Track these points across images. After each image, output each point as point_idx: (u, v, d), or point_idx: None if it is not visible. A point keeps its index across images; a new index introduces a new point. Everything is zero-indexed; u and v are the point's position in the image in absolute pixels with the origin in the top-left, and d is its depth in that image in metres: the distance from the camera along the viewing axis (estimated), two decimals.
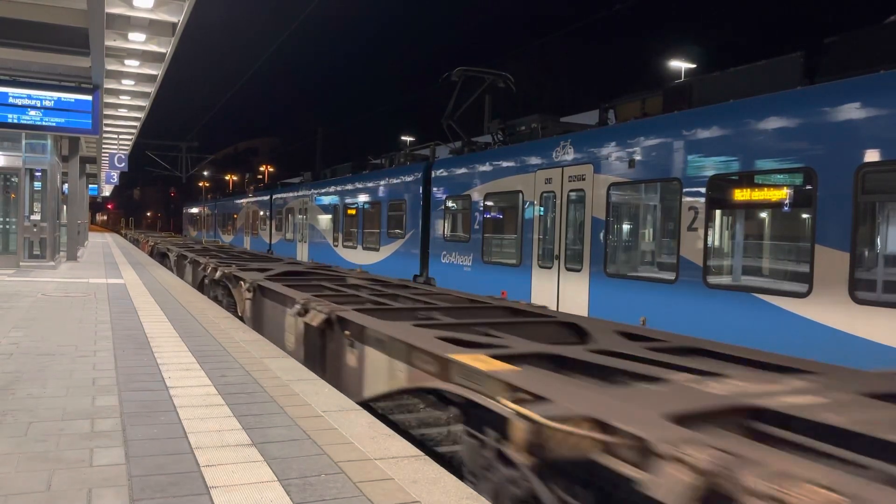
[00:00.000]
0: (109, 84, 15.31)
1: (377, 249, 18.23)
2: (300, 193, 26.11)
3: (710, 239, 8.48)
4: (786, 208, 8.05)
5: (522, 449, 2.85)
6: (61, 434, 3.91)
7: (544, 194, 11.64)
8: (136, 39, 12.27)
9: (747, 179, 8.11)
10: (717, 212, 8.58)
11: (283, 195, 28.63)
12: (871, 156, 6.68)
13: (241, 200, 37.28)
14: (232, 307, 10.16)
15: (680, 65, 31.43)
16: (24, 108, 14.02)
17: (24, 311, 9.10)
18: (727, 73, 9.21)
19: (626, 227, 10.69)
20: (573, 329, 5.59)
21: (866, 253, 6.96)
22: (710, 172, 8.42)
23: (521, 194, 12.19)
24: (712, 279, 8.41)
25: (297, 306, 6.43)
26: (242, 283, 9.34)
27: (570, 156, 11.02)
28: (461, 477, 3.67)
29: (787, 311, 7.34)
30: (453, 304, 6.72)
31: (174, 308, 9.77)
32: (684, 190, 8.74)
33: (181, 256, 17.50)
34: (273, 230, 29.91)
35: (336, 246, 21.44)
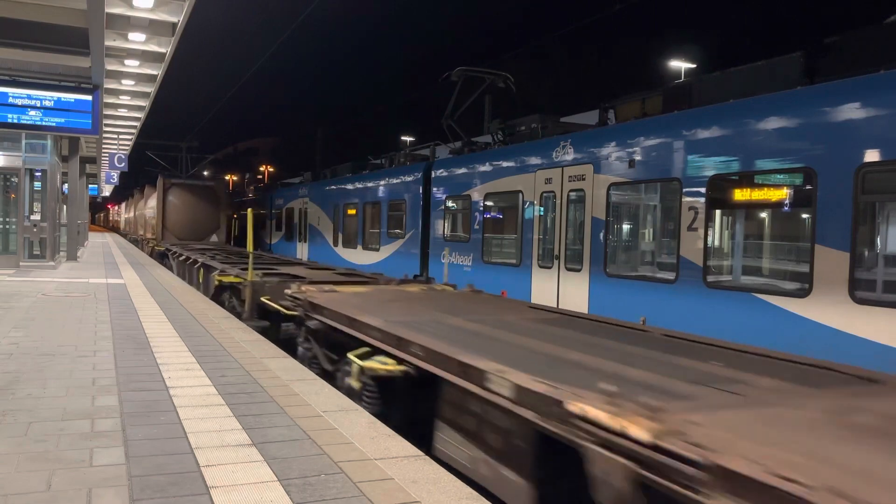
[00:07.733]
0: (109, 84, 15.30)
1: (377, 249, 18.22)
2: (300, 193, 26.09)
3: (710, 239, 8.48)
4: (786, 208, 8.04)
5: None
6: (61, 434, 3.92)
7: (544, 194, 11.63)
8: (136, 39, 12.27)
9: (747, 179, 8.10)
10: (717, 212, 8.58)
11: (283, 195, 28.61)
12: (871, 156, 6.67)
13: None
14: None
15: (680, 65, 31.45)
16: (24, 108, 14.01)
17: (24, 311, 9.10)
18: (727, 73, 9.19)
19: (626, 227, 10.69)
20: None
21: (866, 253, 6.96)
22: (710, 172, 8.41)
23: (521, 194, 12.19)
24: (712, 279, 8.40)
25: None
26: None
27: (570, 156, 11.01)
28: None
29: (787, 310, 7.34)
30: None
31: (174, 308, 9.77)
32: (684, 190, 8.73)
33: None
34: (273, 230, 29.89)
35: (336, 246, 21.43)
